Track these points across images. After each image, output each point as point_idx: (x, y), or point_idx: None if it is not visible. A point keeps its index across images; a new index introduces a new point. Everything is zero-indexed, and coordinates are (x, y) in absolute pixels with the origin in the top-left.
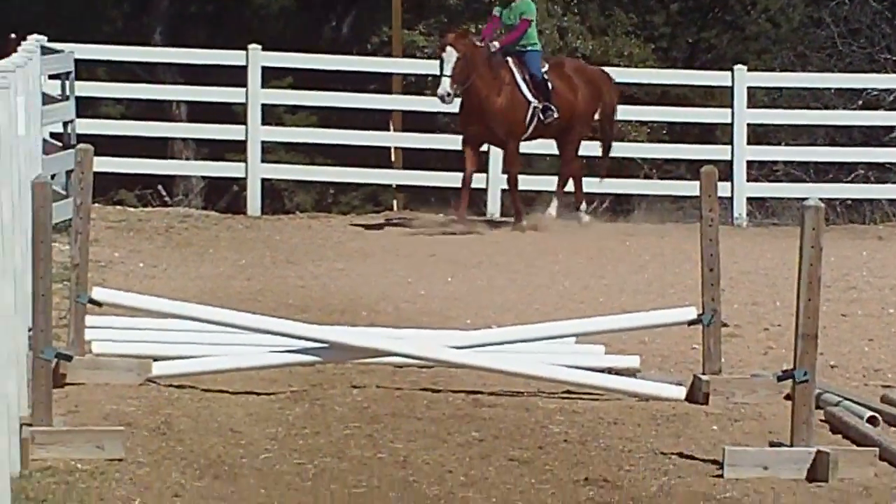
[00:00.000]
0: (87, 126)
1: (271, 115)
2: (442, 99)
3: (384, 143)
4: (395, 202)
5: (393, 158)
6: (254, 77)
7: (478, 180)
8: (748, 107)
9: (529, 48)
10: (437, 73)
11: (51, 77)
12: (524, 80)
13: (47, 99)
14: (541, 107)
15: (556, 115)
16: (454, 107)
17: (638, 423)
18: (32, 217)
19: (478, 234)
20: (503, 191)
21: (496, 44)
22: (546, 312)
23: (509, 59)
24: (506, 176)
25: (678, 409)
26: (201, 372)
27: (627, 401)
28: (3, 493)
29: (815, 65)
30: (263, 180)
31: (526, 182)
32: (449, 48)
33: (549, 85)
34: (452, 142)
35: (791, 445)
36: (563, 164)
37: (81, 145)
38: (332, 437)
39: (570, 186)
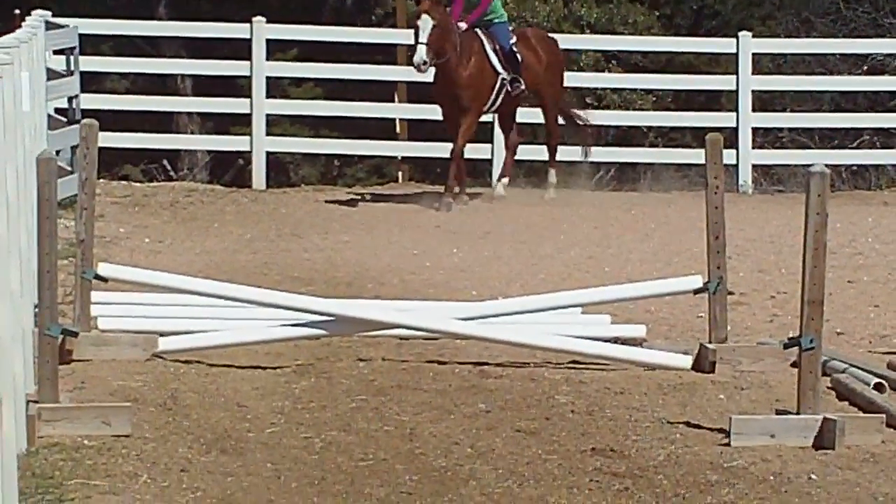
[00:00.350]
0: (91, 101)
1: (276, 87)
2: (417, 67)
3: (389, 114)
4: (400, 174)
5: (398, 130)
6: (258, 50)
7: (482, 150)
8: (753, 73)
9: (496, 21)
10: (413, 41)
11: (55, 52)
12: (494, 51)
13: (52, 74)
14: (509, 79)
15: (523, 87)
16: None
17: (644, 392)
18: (38, 193)
19: (479, 205)
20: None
21: (462, 24)
22: (552, 283)
23: (478, 30)
24: (453, 145)
25: (685, 378)
26: (207, 347)
27: (634, 370)
28: (10, 469)
29: (820, 30)
30: (268, 153)
31: (526, 152)
32: (425, 16)
33: (519, 57)
34: None
35: (798, 413)
36: (551, 137)
37: (86, 120)
38: (338, 410)
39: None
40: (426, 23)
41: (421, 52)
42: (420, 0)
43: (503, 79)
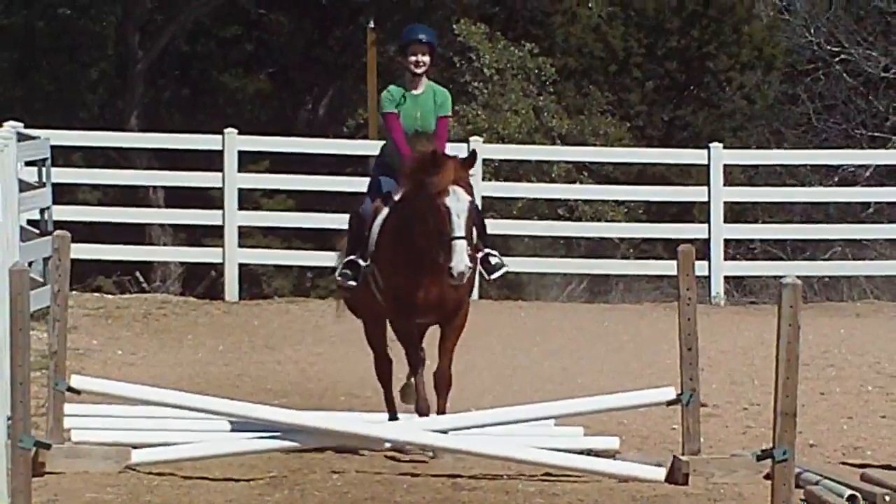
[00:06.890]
0: (63, 213)
1: (248, 199)
2: (461, 276)
3: None
4: None
5: None
6: (230, 161)
7: None
8: (725, 184)
9: None
10: (448, 228)
11: (27, 164)
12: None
13: (24, 186)
14: (479, 257)
15: (506, 268)
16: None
17: None
18: (10, 305)
19: None
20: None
21: None
22: (525, 394)
23: None
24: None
25: (658, 490)
26: (180, 459)
27: (607, 482)
28: None
29: (791, 141)
30: (241, 265)
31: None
32: (457, 189)
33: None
34: None
35: None
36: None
37: (58, 232)
38: None
39: None
40: (461, 201)
41: (463, 255)
42: (441, 162)
43: (475, 257)
